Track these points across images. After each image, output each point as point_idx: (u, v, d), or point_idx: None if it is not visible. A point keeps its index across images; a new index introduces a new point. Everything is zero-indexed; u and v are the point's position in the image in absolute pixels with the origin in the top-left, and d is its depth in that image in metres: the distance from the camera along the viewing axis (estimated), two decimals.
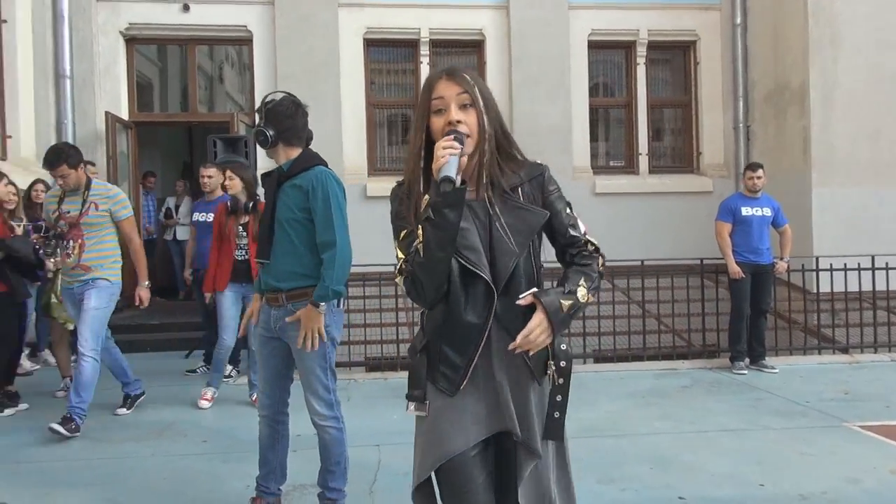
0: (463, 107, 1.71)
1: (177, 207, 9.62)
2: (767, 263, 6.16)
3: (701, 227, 7.83)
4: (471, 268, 1.68)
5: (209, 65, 11.83)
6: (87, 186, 4.48)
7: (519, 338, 1.65)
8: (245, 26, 8.65)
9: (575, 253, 1.79)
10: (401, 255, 1.72)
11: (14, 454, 4.02)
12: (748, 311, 6.12)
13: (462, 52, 9.43)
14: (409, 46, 9.05)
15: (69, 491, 3.49)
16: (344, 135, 8.62)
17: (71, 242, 4.39)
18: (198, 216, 6.03)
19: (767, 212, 6.18)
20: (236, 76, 12.18)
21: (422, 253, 1.63)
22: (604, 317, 6.71)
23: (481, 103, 1.72)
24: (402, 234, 1.73)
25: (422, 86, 1.78)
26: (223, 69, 12.55)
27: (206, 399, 5.08)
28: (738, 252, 6.10)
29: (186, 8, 8.52)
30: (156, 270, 9.58)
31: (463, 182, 1.61)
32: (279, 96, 3.09)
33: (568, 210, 1.80)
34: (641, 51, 9.33)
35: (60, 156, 4.36)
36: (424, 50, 8.96)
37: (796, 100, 8.23)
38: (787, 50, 8.42)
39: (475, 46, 9.21)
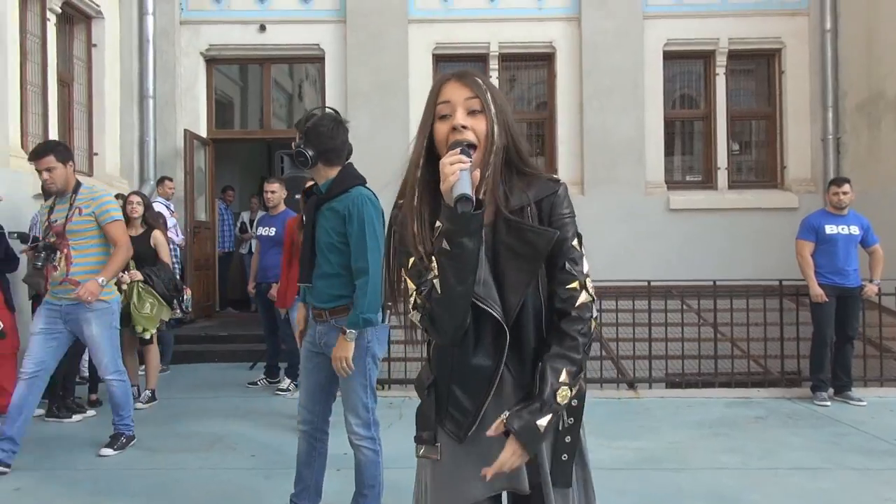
0: (472, 113, 1.52)
1: (251, 222, 9.91)
2: (854, 286, 5.68)
3: (785, 246, 7.26)
4: (480, 304, 1.49)
5: (289, 83, 12.19)
6: (76, 191, 4.15)
7: (491, 471, 1.48)
8: (318, 44, 8.84)
9: (559, 308, 1.54)
10: (411, 285, 1.54)
11: (73, 461, 4.16)
12: (832, 336, 5.65)
13: (532, 66, 9.33)
14: (478, 61, 8.98)
15: (116, 500, 3.57)
16: (412, 150, 8.62)
17: (58, 253, 4.07)
18: (261, 230, 6.13)
19: (855, 230, 5.70)
20: (315, 93, 12.49)
21: (439, 289, 1.45)
22: (672, 339, 6.36)
23: (493, 110, 1.52)
24: (410, 263, 1.54)
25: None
26: (302, 87, 12.92)
27: None
28: (821, 273, 5.66)
29: (263, 28, 8.81)
30: (231, 283, 9.91)
31: (479, 201, 1.42)
32: (319, 113, 3.08)
33: (575, 241, 1.56)
34: (721, 60, 8.91)
35: (48, 146, 4.18)
36: (494, 64, 8.89)
37: (892, 109, 7.64)
38: (882, 55, 7.84)
39: (545, 59, 9.07)
